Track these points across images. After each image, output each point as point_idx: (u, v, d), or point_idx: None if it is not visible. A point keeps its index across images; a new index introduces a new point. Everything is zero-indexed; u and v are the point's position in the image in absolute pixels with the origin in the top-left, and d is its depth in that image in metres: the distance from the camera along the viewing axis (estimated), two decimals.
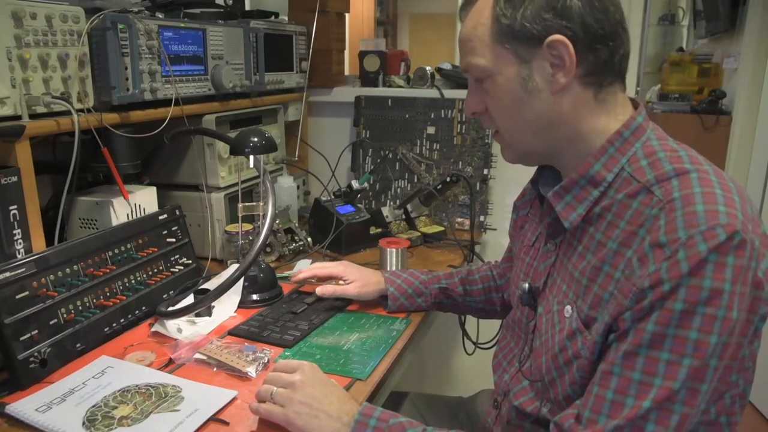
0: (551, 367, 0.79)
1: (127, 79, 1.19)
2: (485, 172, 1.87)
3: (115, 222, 1.23)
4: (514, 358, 0.93)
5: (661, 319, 0.65)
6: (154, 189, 1.36)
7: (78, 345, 1.02)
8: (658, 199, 0.69)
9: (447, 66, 1.98)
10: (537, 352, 0.84)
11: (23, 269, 0.95)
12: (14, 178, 1.01)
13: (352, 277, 1.24)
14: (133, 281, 1.16)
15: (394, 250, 1.43)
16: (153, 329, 1.11)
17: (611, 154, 0.77)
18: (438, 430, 0.80)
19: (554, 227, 0.86)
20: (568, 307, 0.78)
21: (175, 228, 1.30)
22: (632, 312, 0.67)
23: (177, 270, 1.26)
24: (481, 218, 1.89)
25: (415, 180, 1.94)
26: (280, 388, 0.85)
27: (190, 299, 1.17)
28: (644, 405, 0.66)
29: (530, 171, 0.96)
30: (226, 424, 0.86)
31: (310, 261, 1.52)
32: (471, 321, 1.55)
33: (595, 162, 0.78)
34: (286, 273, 1.43)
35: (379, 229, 1.69)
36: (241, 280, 1.18)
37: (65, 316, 1.01)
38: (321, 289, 1.23)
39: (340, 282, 1.25)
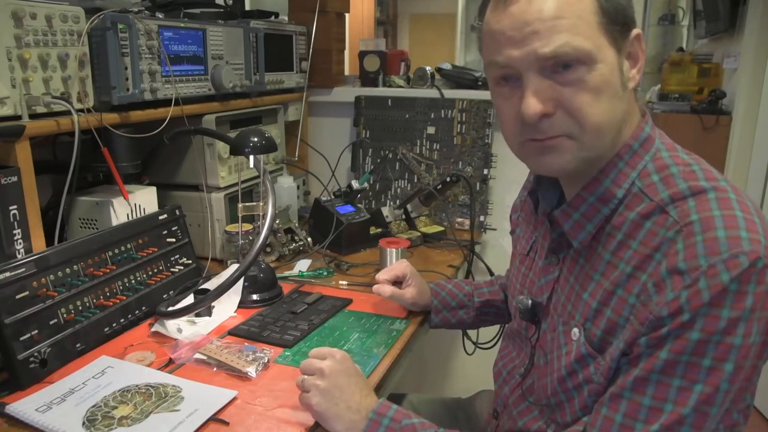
0: (558, 390, 0.77)
1: (127, 79, 1.19)
2: (485, 172, 1.87)
3: (115, 222, 1.23)
4: (515, 369, 0.92)
5: (676, 347, 0.63)
6: (154, 189, 1.36)
7: (78, 345, 1.02)
8: (674, 221, 0.66)
9: (447, 66, 1.98)
10: (541, 371, 0.82)
11: (23, 269, 0.95)
12: (14, 178, 1.01)
13: (413, 282, 1.20)
14: (133, 281, 1.16)
15: (394, 250, 1.43)
16: (153, 329, 1.11)
17: (621, 168, 0.73)
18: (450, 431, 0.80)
19: (558, 242, 0.82)
20: (576, 330, 0.75)
21: (175, 228, 1.30)
22: (648, 338, 0.65)
23: (177, 270, 1.26)
24: (481, 218, 1.89)
25: (415, 180, 1.94)
26: (309, 376, 0.86)
27: (190, 299, 1.17)
28: (653, 429, 0.64)
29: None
30: (226, 424, 0.86)
31: (310, 261, 1.52)
32: None
33: (604, 178, 0.74)
34: (286, 273, 1.43)
35: (379, 229, 1.69)
36: (241, 280, 1.18)
37: (65, 316, 1.01)
38: (379, 287, 1.17)
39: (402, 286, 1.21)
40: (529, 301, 0.85)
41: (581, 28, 0.67)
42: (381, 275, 1.20)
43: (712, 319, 0.61)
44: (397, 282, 1.22)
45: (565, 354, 0.76)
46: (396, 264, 1.24)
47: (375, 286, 1.19)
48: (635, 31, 0.70)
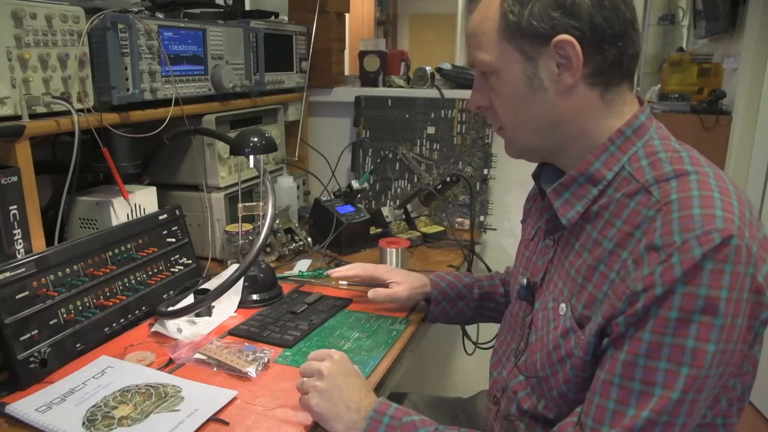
0: (545, 364, 0.79)
1: (127, 79, 1.19)
2: (485, 172, 1.87)
3: (115, 222, 1.23)
4: (512, 353, 0.94)
5: (657, 327, 0.65)
6: (154, 189, 1.36)
7: (78, 345, 1.02)
8: (656, 200, 0.69)
9: (447, 66, 1.98)
10: (532, 348, 0.84)
11: (23, 269, 0.95)
12: (14, 178, 1.01)
13: (398, 279, 1.20)
14: (133, 281, 1.16)
15: (394, 250, 1.43)
16: (153, 329, 1.11)
17: (612, 152, 0.77)
18: (450, 429, 0.80)
19: (553, 223, 0.85)
20: (563, 305, 0.78)
21: (175, 228, 1.30)
22: (625, 316, 0.67)
23: (177, 270, 1.26)
24: (481, 218, 1.89)
25: (415, 180, 1.94)
26: (308, 378, 0.87)
27: (190, 299, 1.17)
28: (644, 415, 0.66)
29: (531, 172, 0.96)
30: (226, 424, 0.85)
31: (310, 261, 1.52)
32: None
33: (595, 160, 0.77)
34: (286, 273, 1.43)
35: (379, 229, 1.69)
36: (241, 280, 1.18)
37: (65, 316, 1.01)
38: (373, 293, 1.18)
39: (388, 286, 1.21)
40: (525, 280, 0.88)
41: (486, 44, 0.78)
42: (339, 272, 1.24)
43: (688, 297, 0.63)
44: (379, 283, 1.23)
45: (553, 329, 0.79)
46: (372, 266, 1.25)
47: (370, 292, 1.19)
48: (557, 39, 0.73)
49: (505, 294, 1.22)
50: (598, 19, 0.72)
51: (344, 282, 1.39)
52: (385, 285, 1.22)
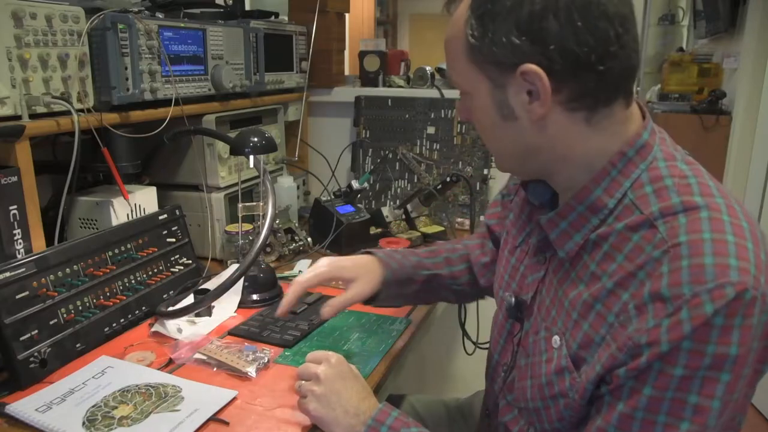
0: (537, 397, 0.76)
1: (127, 79, 1.19)
2: (485, 172, 1.87)
3: (115, 222, 1.23)
4: (500, 366, 0.90)
5: (660, 383, 0.60)
6: (154, 189, 1.36)
7: (78, 345, 1.02)
8: (662, 238, 0.63)
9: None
10: (522, 372, 0.80)
11: (23, 269, 0.95)
12: (14, 178, 1.01)
13: (349, 275, 1.01)
14: (133, 281, 1.16)
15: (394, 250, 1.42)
16: (153, 329, 1.11)
17: (614, 177, 0.69)
18: None
19: (545, 242, 0.78)
20: (556, 338, 0.73)
21: (175, 228, 1.30)
22: (627, 369, 0.62)
23: (177, 270, 1.26)
24: (481, 218, 1.89)
25: (415, 180, 1.94)
26: (305, 381, 0.86)
27: (190, 299, 1.17)
28: None
29: None
30: (226, 424, 0.86)
31: (310, 261, 1.52)
32: (471, 321, 1.55)
33: (595, 187, 0.70)
34: (286, 273, 1.43)
35: (379, 229, 1.69)
36: (241, 280, 1.18)
37: (65, 316, 1.01)
38: (327, 312, 0.98)
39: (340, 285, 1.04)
40: (513, 299, 0.83)
41: (456, 65, 0.73)
42: (285, 302, 0.98)
43: (695, 355, 0.58)
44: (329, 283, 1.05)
45: (545, 361, 0.75)
46: (314, 271, 1.01)
47: (325, 311, 0.98)
48: (521, 68, 0.65)
49: (450, 276, 1.10)
50: (570, 44, 0.63)
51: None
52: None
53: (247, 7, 1.97)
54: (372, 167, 1.98)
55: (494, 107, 0.71)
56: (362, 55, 2.02)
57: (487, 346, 1.50)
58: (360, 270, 1.03)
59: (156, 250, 1.23)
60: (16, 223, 1.02)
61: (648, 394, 0.61)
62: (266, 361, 1.01)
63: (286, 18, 1.94)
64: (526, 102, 0.67)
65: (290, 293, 0.98)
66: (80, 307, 1.04)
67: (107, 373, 0.97)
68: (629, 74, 0.68)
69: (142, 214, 1.30)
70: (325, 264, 1.02)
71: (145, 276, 1.19)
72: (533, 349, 0.78)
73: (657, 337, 0.60)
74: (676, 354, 0.59)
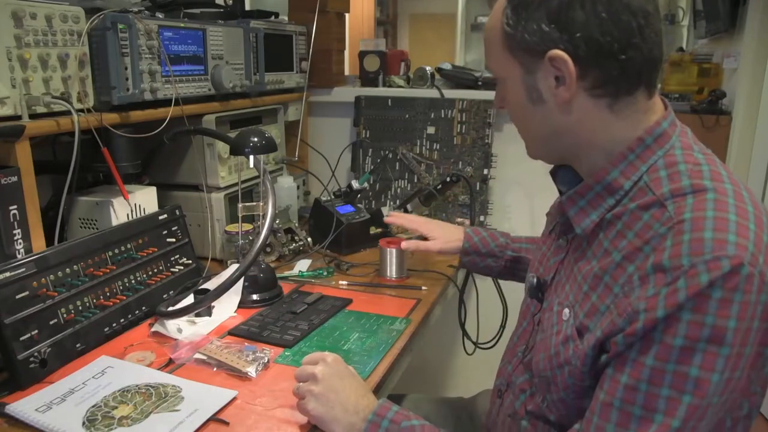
0: (547, 367, 0.79)
1: (127, 79, 1.19)
2: (485, 172, 1.87)
3: (115, 222, 1.23)
4: (517, 347, 0.94)
5: (661, 354, 0.63)
6: (154, 189, 1.36)
7: (78, 345, 1.02)
8: (669, 216, 0.66)
9: (447, 66, 1.98)
10: (537, 347, 0.84)
11: (23, 269, 0.95)
12: (14, 178, 1.01)
13: (435, 234, 1.32)
14: (133, 281, 1.16)
15: (394, 250, 1.43)
16: (153, 329, 1.11)
17: (631, 161, 0.74)
18: None
19: (566, 225, 0.84)
20: (567, 310, 0.77)
21: (175, 228, 1.30)
22: (624, 335, 0.65)
23: (177, 270, 1.26)
24: (481, 218, 1.89)
25: (415, 180, 1.94)
26: (303, 382, 0.87)
27: (190, 299, 1.17)
28: None
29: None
30: (226, 424, 0.86)
31: (310, 261, 1.52)
32: (471, 321, 1.55)
33: (612, 169, 0.74)
34: (286, 273, 1.43)
35: (379, 229, 1.69)
36: (241, 280, 1.18)
37: (65, 316, 1.01)
38: (406, 244, 1.34)
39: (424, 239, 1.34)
40: (535, 280, 0.88)
41: (493, 52, 0.79)
42: (390, 218, 1.42)
43: (694, 326, 0.61)
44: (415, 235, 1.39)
45: (556, 333, 0.78)
46: (416, 218, 1.40)
47: (403, 243, 1.35)
48: (549, 54, 0.71)
49: None
50: (595, 33, 0.69)
51: (344, 282, 1.39)
52: (424, 238, 1.35)
53: (247, 7, 1.97)
54: (372, 167, 1.98)
55: (525, 91, 0.77)
56: (362, 55, 2.02)
57: (488, 346, 1.51)
58: (446, 234, 1.33)
59: (156, 250, 1.23)
60: (16, 223, 1.02)
61: (650, 365, 0.64)
62: (266, 361, 1.01)
63: (286, 18, 1.94)
64: (553, 86, 0.73)
65: (395, 217, 1.42)
66: (80, 307, 1.04)
67: (107, 373, 0.97)
68: (651, 66, 0.73)
69: (142, 214, 1.30)
70: (427, 220, 1.38)
71: (145, 276, 1.19)
72: (547, 324, 0.82)
73: (654, 304, 0.63)
74: (674, 323, 0.62)
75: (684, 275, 0.62)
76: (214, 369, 1.00)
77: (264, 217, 1.15)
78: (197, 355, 1.02)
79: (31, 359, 0.94)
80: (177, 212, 1.31)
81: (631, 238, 0.70)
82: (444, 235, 1.33)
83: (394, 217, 1.41)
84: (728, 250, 0.61)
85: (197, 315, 1.15)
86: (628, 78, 0.72)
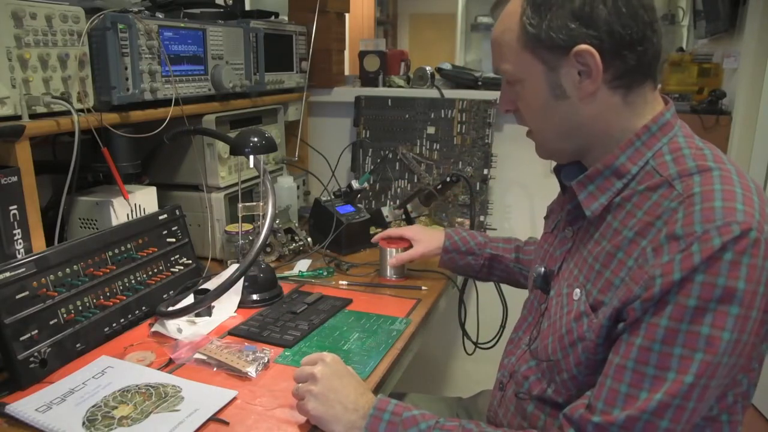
0: (557, 348, 0.81)
1: (127, 79, 1.19)
2: (485, 172, 1.87)
3: (115, 222, 1.23)
4: (521, 339, 0.95)
5: (675, 314, 0.66)
6: (154, 189, 1.36)
7: (78, 345, 1.02)
8: (678, 193, 0.71)
9: (447, 66, 1.98)
10: (544, 333, 0.86)
11: (23, 269, 0.95)
12: (14, 178, 1.01)
13: (418, 237, 1.38)
14: (133, 281, 1.16)
15: (394, 249, 1.43)
16: (153, 329, 1.11)
17: (637, 147, 0.78)
18: (450, 421, 0.81)
19: (574, 214, 0.88)
20: (577, 290, 0.80)
21: (175, 228, 1.30)
22: (642, 301, 0.69)
23: (177, 270, 1.26)
24: (481, 218, 1.89)
25: (415, 180, 1.94)
26: (302, 383, 0.87)
27: (190, 299, 1.17)
28: (657, 397, 0.67)
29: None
30: (226, 424, 0.86)
31: (310, 261, 1.52)
32: (471, 321, 1.55)
33: (620, 154, 0.79)
34: (286, 273, 1.43)
35: (379, 229, 1.69)
36: (241, 280, 1.18)
37: (65, 316, 1.01)
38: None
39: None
40: (542, 269, 0.91)
41: (507, 54, 0.81)
42: (377, 236, 1.44)
43: (707, 287, 0.65)
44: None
45: (566, 314, 0.80)
46: (402, 229, 1.44)
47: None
48: (576, 49, 0.75)
49: (515, 261, 1.28)
50: (617, 27, 0.74)
51: (344, 282, 1.39)
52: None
53: (247, 7, 1.97)
54: (372, 167, 1.98)
55: (547, 89, 0.80)
56: (362, 55, 2.02)
57: (488, 346, 1.51)
58: (427, 238, 1.37)
59: (156, 250, 1.23)
60: (16, 223, 1.02)
61: (664, 325, 0.67)
62: (266, 361, 1.01)
63: (286, 18, 1.94)
64: (576, 81, 0.77)
65: (383, 233, 1.44)
66: (80, 307, 1.04)
67: (107, 373, 0.97)
68: (658, 57, 0.79)
69: (142, 214, 1.30)
70: (411, 228, 1.43)
71: (145, 276, 1.19)
72: (555, 309, 0.84)
73: (670, 269, 0.67)
74: (688, 285, 0.66)
75: (698, 240, 0.66)
76: (214, 369, 1.00)
77: (264, 217, 1.15)
78: (197, 355, 1.02)
79: (31, 359, 0.94)
80: (177, 212, 1.31)
81: (641, 216, 0.74)
82: (425, 238, 1.37)
83: (378, 235, 1.45)
84: (737, 217, 0.66)
85: (197, 315, 1.15)
86: (642, 69, 0.77)
